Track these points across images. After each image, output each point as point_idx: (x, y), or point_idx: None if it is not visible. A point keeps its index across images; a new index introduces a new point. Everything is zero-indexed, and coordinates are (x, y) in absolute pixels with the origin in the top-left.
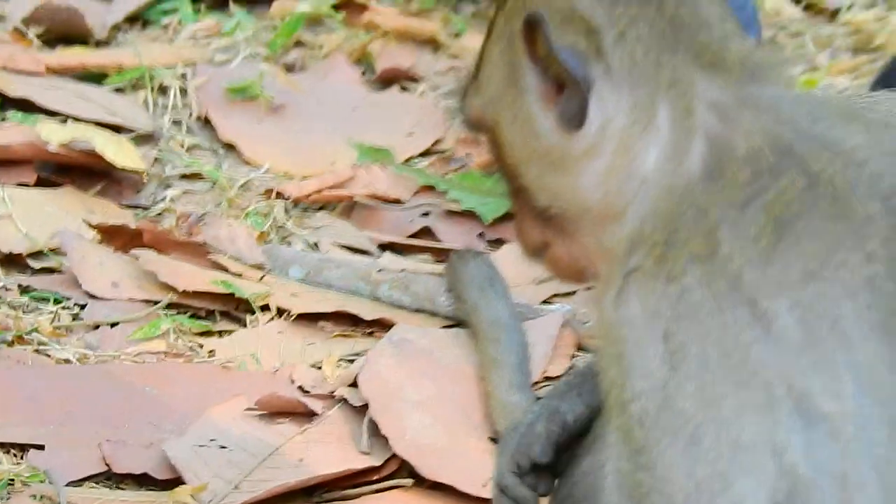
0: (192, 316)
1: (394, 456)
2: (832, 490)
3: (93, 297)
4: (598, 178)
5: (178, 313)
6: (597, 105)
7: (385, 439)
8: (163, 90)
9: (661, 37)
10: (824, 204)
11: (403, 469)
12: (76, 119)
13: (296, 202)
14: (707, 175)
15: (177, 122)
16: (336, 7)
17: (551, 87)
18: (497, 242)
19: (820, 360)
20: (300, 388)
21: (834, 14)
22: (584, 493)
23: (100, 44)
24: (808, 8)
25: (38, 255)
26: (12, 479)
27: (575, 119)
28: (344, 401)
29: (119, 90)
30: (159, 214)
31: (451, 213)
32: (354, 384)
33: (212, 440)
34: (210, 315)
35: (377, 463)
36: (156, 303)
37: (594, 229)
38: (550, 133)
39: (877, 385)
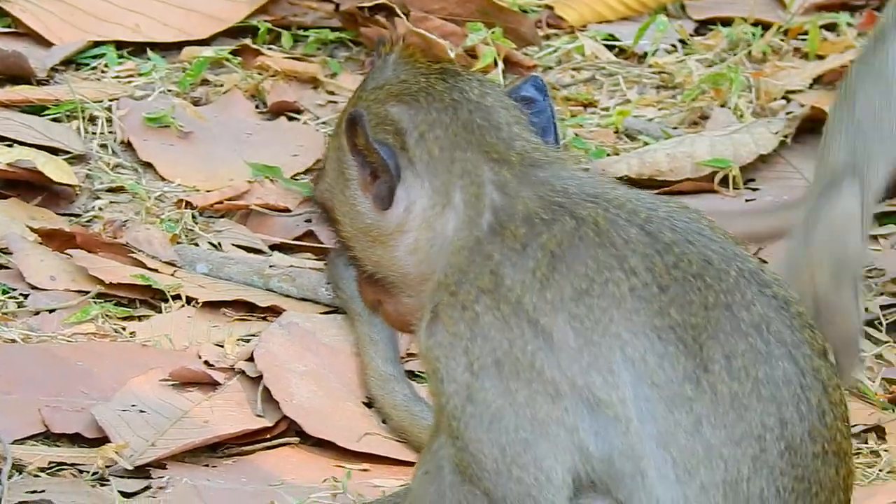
0: (116, 304)
1: (283, 418)
2: (623, 464)
3: (34, 288)
4: (408, 249)
5: (105, 302)
6: (403, 189)
7: (276, 404)
8: (92, 120)
9: (455, 137)
10: (590, 237)
11: (291, 429)
12: (21, 143)
13: (202, 211)
14: (492, 233)
15: (104, 146)
16: (234, 52)
17: (369, 175)
18: None
19: (596, 360)
20: (206, 362)
21: (642, 58)
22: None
23: (40, 82)
24: (620, 53)
25: None
26: None
27: (385, 201)
28: (242, 373)
29: (56, 120)
30: (89, 221)
31: None
32: (251, 359)
33: (132, 405)
34: (131, 303)
35: (269, 424)
36: (86, 293)
37: (412, 289)
38: (368, 213)
39: (650, 373)
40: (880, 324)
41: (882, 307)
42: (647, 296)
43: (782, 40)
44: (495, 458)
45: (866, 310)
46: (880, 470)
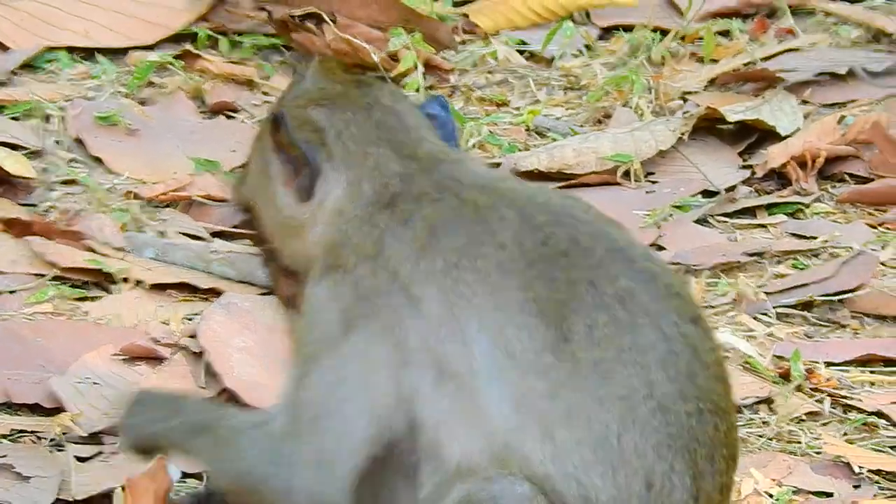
0: (71, 286)
1: (224, 389)
2: (459, 426)
3: None
4: (320, 235)
5: (61, 284)
6: (322, 181)
7: (218, 377)
8: (47, 118)
9: (369, 135)
10: (467, 215)
11: (232, 399)
12: None
13: (148, 201)
14: (384, 207)
15: (58, 142)
16: (177, 57)
17: (290, 171)
18: None
19: (454, 331)
20: (153, 339)
21: (550, 61)
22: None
23: (0, 84)
24: (530, 57)
25: None
26: None
27: (305, 193)
28: (186, 349)
29: (15, 118)
30: (46, 210)
31: None
32: (194, 336)
33: (87, 378)
34: (85, 285)
35: (212, 394)
36: (44, 276)
37: None
38: (289, 206)
39: (507, 342)
40: (769, 309)
41: (769, 293)
42: (513, 270)
43: (679, 45)
44: (314, 416)
45: (756, 295)
46: (770, 439)
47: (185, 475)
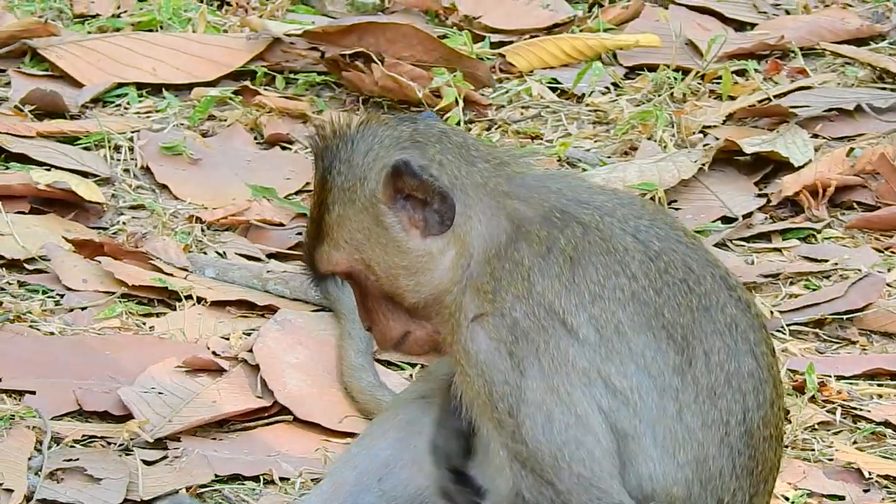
0: (138, 303)
1: (277, 401)
2: (629, 436)
3: (69, 289)
4: (448, 264)
5: (129, 301)
6: (458, 210)
7: (271, 390)
8: (117, 148)
9: (460, 158)
10: (597, 242)
11: (285, 410)
12: (57, 167)
13: (209, 225)
14: (516, 237)
15: (126, 170)
16: (236, 92)
17: (411, 213)
18: None
19: (611, 353)
20: (213, 352)
21: (580, 98)
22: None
23: (73, 117)
24: (562, 94)
25: (31, 260)
26: (13, 415)
27: (437, 226)
28: (244, 361)
29: (87, 148)
30: (115, 233)
31: None
32: (251, 350)
33: (152, 388)
34: (150, 302)
35: (267, 404)
36: (113, 293)
37: (441, 306)
38: (417, 246)
39: (648, 366)
40: (784, 326)
41: (784, 311)
42: (645, 299)
43: (700, 83)
44: (554, 456)
45: (772, 313)
46: (786, 446)
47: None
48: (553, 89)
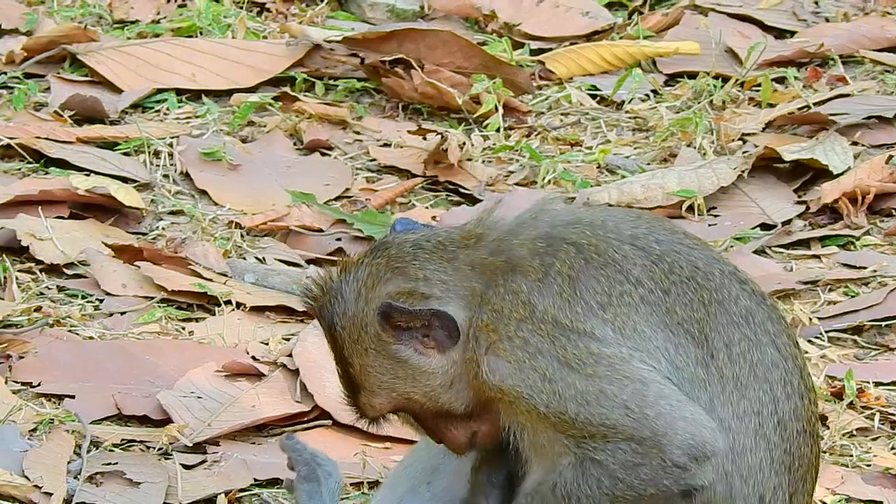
0: (177, 307)
1: (317, 405)
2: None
3: (108, 294)
4: (471, 353)
5: (168, 306)
6: (456, 319)
7: (311, 394)
8: (156, 154)
9: (439, 262)
10: (594, 258)
11: (324, 414)
12: (97, 173)
13: (248, 230)
14: (510, 272)
15: (166, 176)
16: (275, 98)
17: (418, 340)
18: None
19: (636, 345)
20: (253, 357)
21: (620, 105)
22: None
23: (113, 122)
24: (601, 101)
25: (70, 265)
26: (52, 419)
27: (449, 340)
28: (283, 366)
29: (126, 154)
30: (154, 238)
31: (356, 238)
32: (290, 355)
33: (191, 392)
34: (190, 307)
35: (306, 409)
36: (152, 298)
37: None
38: (441, 364)
39: (673, 359)
40: (822, 333)
41: (822, 318)
42: (654, 300)
43: (739, 91)
44: (626, 415)
45: (811, 320)
46: (824, 451)
47: (255, 482)
48: (593, 96)
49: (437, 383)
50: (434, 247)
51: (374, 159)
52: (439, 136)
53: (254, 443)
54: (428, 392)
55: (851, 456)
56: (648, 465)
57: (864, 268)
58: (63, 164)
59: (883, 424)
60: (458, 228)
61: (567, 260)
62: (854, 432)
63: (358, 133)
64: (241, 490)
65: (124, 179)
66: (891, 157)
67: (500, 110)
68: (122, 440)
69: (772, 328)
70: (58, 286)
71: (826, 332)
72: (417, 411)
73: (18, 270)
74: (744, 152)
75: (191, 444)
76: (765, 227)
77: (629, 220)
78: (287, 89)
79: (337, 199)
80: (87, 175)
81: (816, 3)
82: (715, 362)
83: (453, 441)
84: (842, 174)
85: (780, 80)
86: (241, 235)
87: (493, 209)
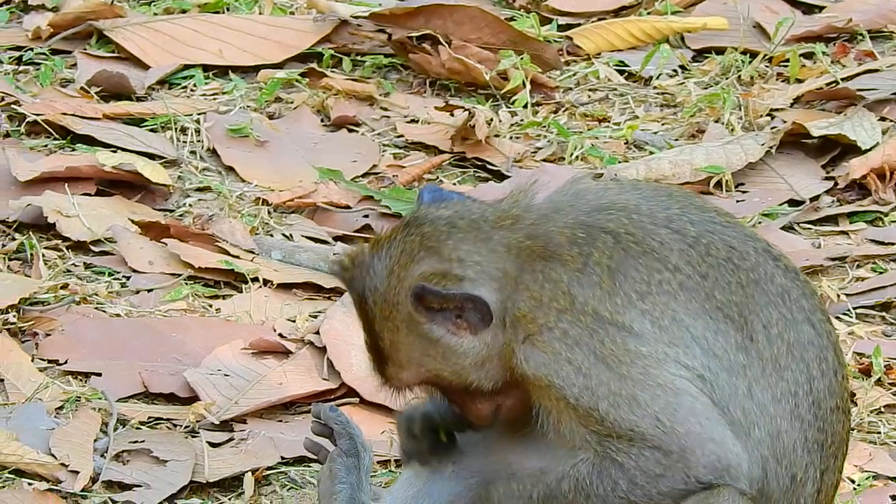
0: (204, 285)
1: (344, 383)
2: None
3: (135, 271)
4: (502, 339)
5: (195, 283)
6: (490, 302)
7: (338, 371)
8: (183, 130)
9: (474, 242)
10: (632, 247)
11: (351, 392)
12: (123, 149)
13: (276, 207)
14: (548, 260)
15: (193, 152)
16: (303, 74)
17: (451, 322)
18: None
19: (674, 339)
20: (280, 334)
21: (647, 80)
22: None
23: (139, 99)
24: (629, 77)
25: (97, 242)
26: (79, 397)
27: (482, 322)
28: (310, 344)
29: (153, 130)
30: (181, 215)
31: (384, 215)
32: (317, 332)
33: (218, 370)
34: (217, 284)
35: (333, 386)
36: (179, 275)
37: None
38: (472, 346)
39: (712, 347)
40: (850, 309)
41: (850, 294)
42: (693, 286)
43: (767, 66)
44: (656, 426)
45: (839, 296)
46: (851, 428)
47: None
48: (620, 72)
49: (468, 363)
50: (468, 226)
51: (401, 135)
52: (467, 112)
53: (281, 421)
54: (457, 371)
55: (879, 433)
56: (671, 478)
57: (893, 244)
58: (90, 141)
59: None
60: (492, 206)
61: (605, 250)
62: (882, 409)
63: (385, 109)
64: (268, 468)
65: (151, 156)
66: None
67: (528, 86)
68: (149, 418)
69: (806, 304)
70: (84, 263)
71: (854, 308)
72: (444, 386)
73: (45, 248)
74: (772, 128)
75: (218, 422)
76: (793, 203)
77: (662, 201)
78: (314, 65)
79: (364, 175)
80: (114, 152)
81: None
82: (755, 345)
83: (477, 414)
84: (870, 150)
85: (809, 56)
86: (269, 212)
87: (527, 189)
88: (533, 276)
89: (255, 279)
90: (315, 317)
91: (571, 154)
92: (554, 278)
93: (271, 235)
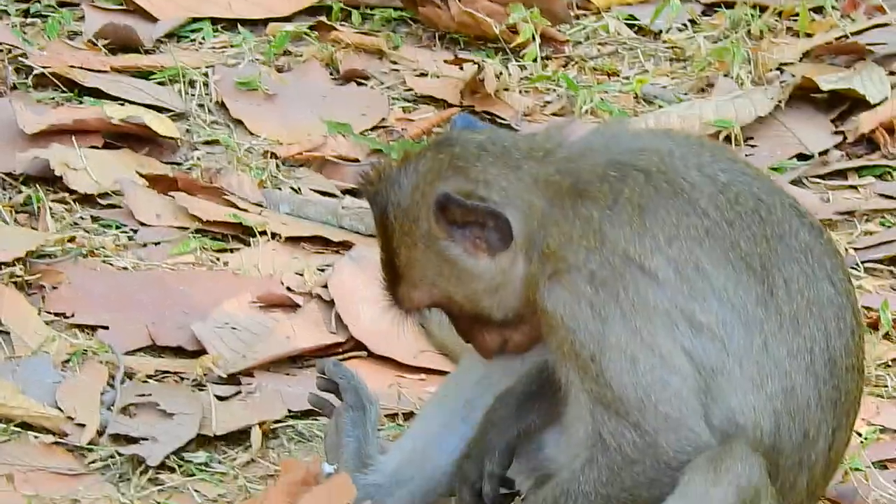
0: (212, 238)
1: (352, 336)
2: (717, 371)
3: (143, 224)
4: (523, 271)
5: (203, 236)
6: (512, 223)
7: (346, 325)
8: (191, 83)
9: (502, 167)
10: (663, 186)
11: (359, 345)
12: (131, 102)
13: (284, 160)
14: (578, 197)
15: (201, 105)
16: (311, 28)
17: (469, 240)
18: None
19: (694, 291)
20: (288, 288)
21: (657, 34)
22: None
23: (147, 51)
24: (639, 30)
25: (104, 195)
26: (86, 350)
27: (501, 243)
28: (318, 297)
29: (161, 83)
30: (189, 168)
31: None
32: (326, 286)
33: (226, 323)
34: (225, 237)
35: (341, 340)
36: (187, 229)
37: (531, 302)
38: (489, 268)
39: (731, 299)
40: (858, 263)
41: (859, 248)
42: (719, 233)
43: (777, 20)
44: (640, 399)
45: (847, 250)
46: None
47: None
48: (630, 26)
49: (481, 287)
50: (500, 151)
51: (410, 89)
52: (476, 65)
53: (288, 374)
54: (469, 295)
55: (887, 387)
56: (642, 464)
57: None
58: (97, 94)
59: None
60: (525, 138)
61: (636, 188)
62: (889, 363)
63: (394, 63)
64: (276, 421)
65: (159, 109)
66: None
67: (538, 40)
68: (156, 371)
69: (829, 263)
70: (91, 216)
71: (862, 262)
72: (455, 311)
73: (52, 200)
74: (781, 82)
75: (225, 376)
76: (802, 157)
77: (694, 148)
78: (323, 18)
79: (373, 129)
80: (122, 104)
81: None
82: (774, 300)
83: (484, 345)
84: (879, 104)
85: (818, 10)
86: (277, 165)
87: (563, 125)
88: (563, 213)
89: (263, 232)
90: (323, 270)
91: (581, 108)
92: (584, 215)
93: (279, 189)
